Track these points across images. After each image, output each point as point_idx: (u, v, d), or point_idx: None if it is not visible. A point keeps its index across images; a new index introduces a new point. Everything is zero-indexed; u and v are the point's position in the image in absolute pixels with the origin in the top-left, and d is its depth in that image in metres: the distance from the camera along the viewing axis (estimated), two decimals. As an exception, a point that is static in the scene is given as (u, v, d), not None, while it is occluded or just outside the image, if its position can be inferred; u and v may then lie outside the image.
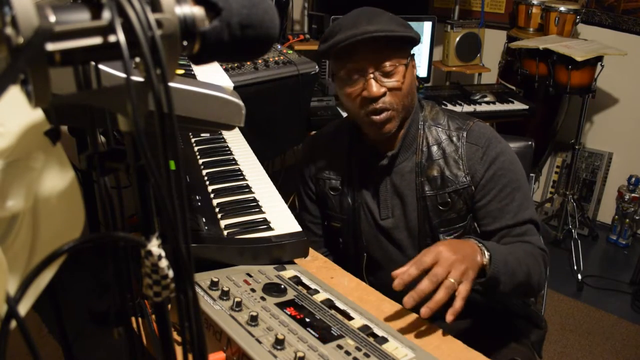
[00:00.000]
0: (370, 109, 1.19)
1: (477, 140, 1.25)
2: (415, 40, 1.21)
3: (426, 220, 1.27)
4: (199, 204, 1.17)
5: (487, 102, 2.71)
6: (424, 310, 0.92)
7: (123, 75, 0.36)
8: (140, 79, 0.37)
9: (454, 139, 1.26)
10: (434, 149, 1.27)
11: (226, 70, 1.71)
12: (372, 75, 1.17)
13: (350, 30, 1.14)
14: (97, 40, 0.38)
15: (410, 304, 0.93)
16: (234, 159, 1.39)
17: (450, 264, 0.96)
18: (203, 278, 0.94)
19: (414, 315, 1.02)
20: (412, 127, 1.28)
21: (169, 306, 0.47)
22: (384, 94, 1.19)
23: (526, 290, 1.19)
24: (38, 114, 0.57)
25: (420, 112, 1.30)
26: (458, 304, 0.94)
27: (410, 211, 1.29)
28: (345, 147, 1.36)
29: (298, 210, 1.47)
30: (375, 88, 1.17)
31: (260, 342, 0.77)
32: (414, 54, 1.26)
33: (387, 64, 1.17)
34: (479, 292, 1.26)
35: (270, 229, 1.11)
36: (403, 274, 0.95)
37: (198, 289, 0.91)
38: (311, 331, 0.81)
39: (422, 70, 2.90)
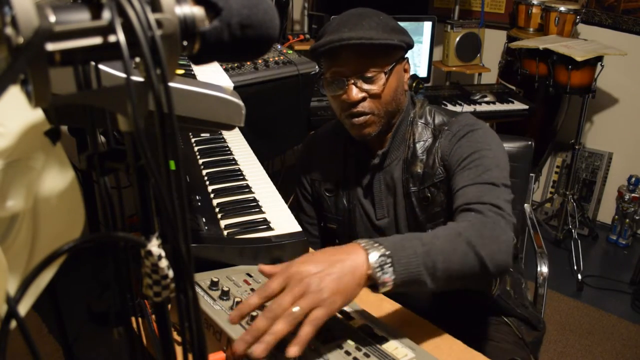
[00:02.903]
0: (350, 112, 1.20)
1: (453, 128, 1.23)
2: (400, 46, 1.18)
3: (413, 217, 1.27)
4: (199, 204, 1.17)
5: (487, 102, 2.71)
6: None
7: (123, 75, 0.36)
8: (140, 79, 0.37)
9: (436, 133, 1.25)
10: (419, 145, 1.26)
11: (226, 70, 1.71)
12: (352, 81, 1.17)
13: (332, 35, 1.14)
14: (97, 40, 0.38)
15: (241, 347, 0.71)
16: (234, 159, 1.39)
17: (302, 286, 0.75)
18: (203, 278, 0.94)
19: (414, 315, 1.02)
20: (402, 125, 1.28)
21: (169, 306, 0.47)
22: (363, 99, 1.18)
23: (479, 271, 0.92)
24: (38, 114, 0.57)
25: (411, 110, 1.29)
26: (304, 330, 0.72)
27: (400, 209, 1.29)
28: (341, 148, 1.36)
29: (295, 211, 1.47)
30: (354, 93, 1.17)
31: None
32: (407, 57, 1.24)
33: (367, 71, 1.16)
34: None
35: (270, 229, 1.11)
36: (242, 304, 0.76)
37: (198, 289, 0.91)
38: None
39: (422, 70, 2.90)
